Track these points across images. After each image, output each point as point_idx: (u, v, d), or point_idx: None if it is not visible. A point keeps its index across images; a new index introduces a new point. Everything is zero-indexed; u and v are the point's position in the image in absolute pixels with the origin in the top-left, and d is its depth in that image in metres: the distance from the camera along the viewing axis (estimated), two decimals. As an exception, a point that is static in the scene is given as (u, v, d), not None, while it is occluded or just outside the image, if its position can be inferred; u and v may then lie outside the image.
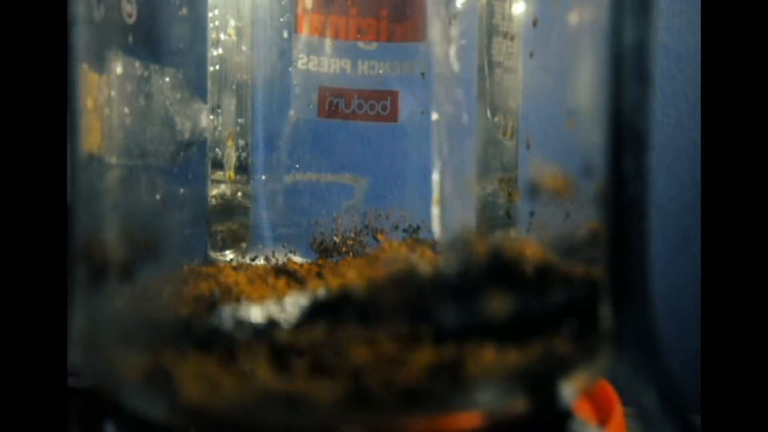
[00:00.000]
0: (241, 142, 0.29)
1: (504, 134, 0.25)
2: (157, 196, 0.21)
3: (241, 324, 0.17)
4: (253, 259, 0.30)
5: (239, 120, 0.28)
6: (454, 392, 0.18)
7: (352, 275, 0.22)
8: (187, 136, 0.19)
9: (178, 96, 0.20)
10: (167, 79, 0.20)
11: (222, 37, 0.24)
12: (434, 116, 0.21)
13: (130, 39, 0.20)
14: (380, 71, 0.21)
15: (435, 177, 0.25)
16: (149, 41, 0.20)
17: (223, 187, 0.30)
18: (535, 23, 0.20)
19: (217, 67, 0.21)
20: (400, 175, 0.28)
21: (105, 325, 0.20)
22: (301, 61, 0.19)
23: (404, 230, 0.30)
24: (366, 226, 0.30)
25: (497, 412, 0.19)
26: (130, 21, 0.20)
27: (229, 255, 0.31)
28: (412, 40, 0.19)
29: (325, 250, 0.30)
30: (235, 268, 0.24)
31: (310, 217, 0.30)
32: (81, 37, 0.20)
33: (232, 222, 0.30)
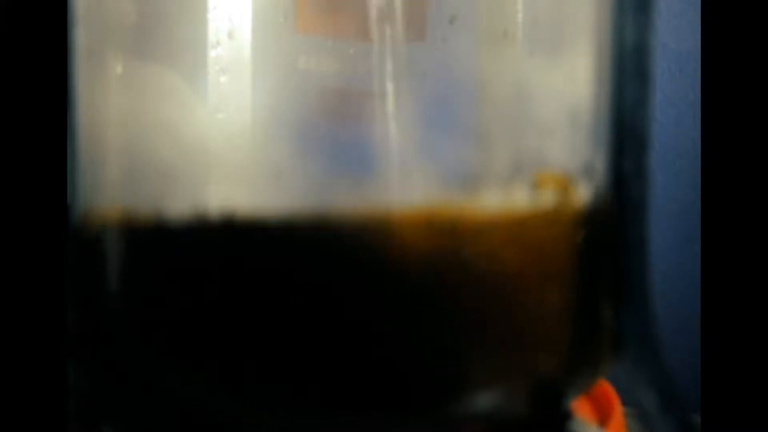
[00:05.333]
0: (241, 143, 0.29)
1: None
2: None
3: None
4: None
5: (239, 120, 0.28)
6: (455, 391, 0.18)
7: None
8: (187, 136, 0.19)
9: (178, 96, 0.20)
10: (167, 79, 0.20)
11: (222, 37, 0.24)
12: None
13: (130, 39, 0.20)
14: (380, 71, 0.21)
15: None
16: (149, 41, 0.20)
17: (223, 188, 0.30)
18: (534, 23, 0.20)
19: (217, 67, 0.21)
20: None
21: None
22: (301, 61, 0.19)
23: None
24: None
25: (497, 412, 0.19)
26: (130, 21, 0.20)
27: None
28: (413, 41, 0.19)
29: None
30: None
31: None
32: (81, 37, 0.20)
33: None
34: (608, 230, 0.20)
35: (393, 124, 0.18)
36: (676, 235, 0.48)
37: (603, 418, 0.26)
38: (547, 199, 0.19)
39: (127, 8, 0.20)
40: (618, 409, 0.25)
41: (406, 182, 0.18)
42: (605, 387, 0.26)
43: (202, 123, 0.19)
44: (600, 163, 0.20)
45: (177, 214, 0.18)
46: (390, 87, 0.19)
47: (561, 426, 0.20)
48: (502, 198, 0.18)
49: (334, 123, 0.19)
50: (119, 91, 0.20)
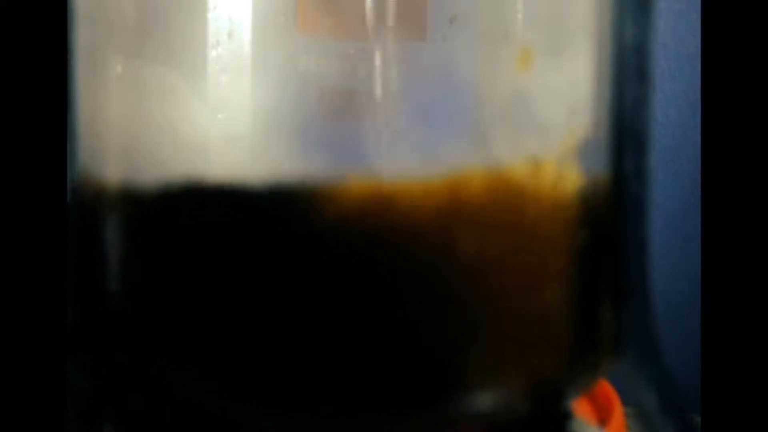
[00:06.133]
0: (241, 142, 0.29)
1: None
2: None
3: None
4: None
5: (239, 120, 0.28)
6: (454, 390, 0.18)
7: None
8: (187, 137, 0.19)
9: (179, 97, 0.20)
10: (167, 79, 0.20)
11: (222, 37, 0.24)
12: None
13: (130, 39, 0.20)
14: (380, 71, 0.21)
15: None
16: (149, 41, 0.20)
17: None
18: (534, 23, 0.20)
19: (217, 67, 0.21)
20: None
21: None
22: (301, 61, 0.19)
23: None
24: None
25: (497, 412, 0.19)
26: (130, 21, 0.20)
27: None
28: (413, 41, 0.19)
29: None
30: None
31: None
32: (81, 37, 0.20)
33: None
34: (608, 230, 0.20)
35: (393, 123, 0.18)
36: (676, 235, 0.48)
37: (603, 418, 0.26)
38: (535, 182, 0.19)
39: (127, 8, 0.20)
40: (618, 409, 0.25)
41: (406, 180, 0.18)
42: (605, 387, 0.26)
43: (202, 123, 0.19)
44: (599, 162, 0.20)
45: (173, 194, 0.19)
46: (390, 87, 0.19)
47: (561, 426, 0.20)
48: (497, 188, 0.18)
49: (334, 122, 0.19)
50: (119, 91, 0.20)
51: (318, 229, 0.18)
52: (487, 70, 0.20)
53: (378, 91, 0.19)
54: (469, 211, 0.18)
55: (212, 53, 0.19)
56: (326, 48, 0.19)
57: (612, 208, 0.20)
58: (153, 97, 0.20)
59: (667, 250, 0.48)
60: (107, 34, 0.20)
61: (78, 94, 0.20)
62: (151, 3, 0.20)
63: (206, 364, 0.18)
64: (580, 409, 0.25)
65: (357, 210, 0.18)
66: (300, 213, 0.18)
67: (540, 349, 0.19)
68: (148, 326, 0.19)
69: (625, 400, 0.24)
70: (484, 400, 0.19)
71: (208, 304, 0.18)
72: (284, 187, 0.18)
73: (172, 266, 0.19)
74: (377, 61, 0.19)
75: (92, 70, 0.20)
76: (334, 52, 0.19)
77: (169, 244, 0.19)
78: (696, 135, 0.48)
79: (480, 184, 0.18)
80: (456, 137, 0.19)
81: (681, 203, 0.48)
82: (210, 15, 0.19)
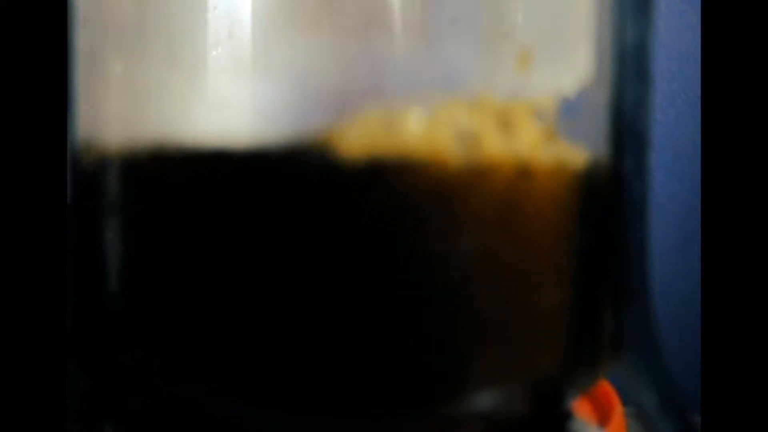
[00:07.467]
0: (241, 141, 0.29)
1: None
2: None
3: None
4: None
5: (239, 121, 0.28)
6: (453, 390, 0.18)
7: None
8: (188, 138, 0.19)
9: (179, 97, 0.20)
10: (167, 79, 0.20)
11: (222, 37, 0.24)
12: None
13: (130, 39, 0.20)
14: (381, 71, 0.21)
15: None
16: (149, 41, 0.20)
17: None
18: (534, 23, 0.20)
19: (217, 67, 0.21)
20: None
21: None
22: (301, 61, 0.19)
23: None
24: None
25: (496, 412, 0.19)
26: (130, 21, 0.20)
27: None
28: (413, 41, 0.19)
29: None
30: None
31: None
32: (81, 37, 0.20)
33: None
34: (608, 229, 0.20)
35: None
36: (676, 235, 0.48)
37: (603, 418, 0.26)
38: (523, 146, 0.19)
39: (127, 8, 0.20)
40: (618, 409, 0.25)
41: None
42: (605, 387, 0.26)
43: (202, 123, 0.19)
44: (599, 163, 0.20)
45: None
46: (390, 87, 0.19)
47: (561, 426, 0.20)
48: (495, 184, 0.18)
49: (333, 122, 0.19)
50: (119, 91, 0.20)
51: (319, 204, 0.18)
52: (487, 70, 0.20)
53: (378, 91, 0.19)
54: (467, 207, 0.18)
55: (212, 53, 0.19)
56: (326, 48, 0.19)
57: (612, 207, 0.20)
58: (152, 97, 0.20)
59: (667, 250, 0.48)
60: (107, 33, 0.20)
61: (78, 95, 0.20)
62: (151, 3, 0.20)
63: (206, 362, 0.18)
64: (580, 409, 0.25)
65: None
66: (289, 199, 0.18)
67: (540, 348, 0.19)
68: (148, 321, 0.19)
69: (625, 400, 0.24)
70: (484, 400, 0.19)
71: (209, 293, 0.18)
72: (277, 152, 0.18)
73: (174, 257, 0.19)
74: (377, 61, 0.19)
75: (92, 71, 0.20)
76: (334, 52, 0.19)
77: (171, 225, 0.19)
78: (696, 135, 0.48)
79: (478, 180, 0.18)
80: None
81: (681, 203, 0.48)
82: (210, 15, 0.19)
